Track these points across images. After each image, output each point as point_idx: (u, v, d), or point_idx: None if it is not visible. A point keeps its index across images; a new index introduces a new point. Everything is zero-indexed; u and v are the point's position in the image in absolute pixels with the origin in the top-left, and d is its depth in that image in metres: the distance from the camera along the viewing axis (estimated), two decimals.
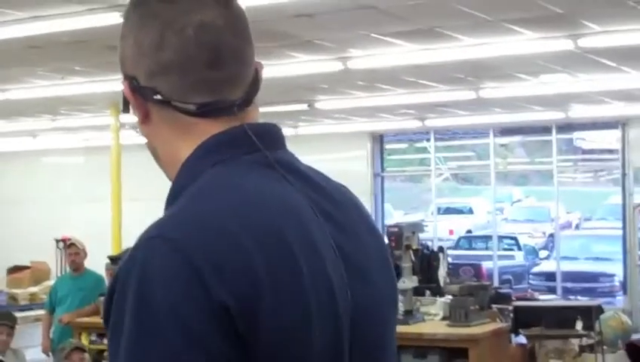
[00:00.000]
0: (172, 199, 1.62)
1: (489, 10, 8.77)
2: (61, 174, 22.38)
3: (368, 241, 1.72)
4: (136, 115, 1.68)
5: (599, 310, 10.50)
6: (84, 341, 9.11)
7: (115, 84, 12.57)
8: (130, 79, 1.65)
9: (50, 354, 10.52)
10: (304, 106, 15.18)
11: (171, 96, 1.62)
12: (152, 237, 1.50)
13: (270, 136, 1.66)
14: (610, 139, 20.54)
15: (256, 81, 1.69)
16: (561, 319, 10.02)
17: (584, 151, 24.65)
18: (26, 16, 8.80)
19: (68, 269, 11.28)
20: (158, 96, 1.62)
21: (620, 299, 18.59)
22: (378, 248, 1.75)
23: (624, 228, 18.29)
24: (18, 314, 11.20)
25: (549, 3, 8.55)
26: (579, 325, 9.72)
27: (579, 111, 16.72)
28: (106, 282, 8.91)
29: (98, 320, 9.04)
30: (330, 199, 1.67)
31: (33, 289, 16.32)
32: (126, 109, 1.69)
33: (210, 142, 1.62)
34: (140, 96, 1.64)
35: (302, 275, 1.50)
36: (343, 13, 8.77)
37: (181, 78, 1.62)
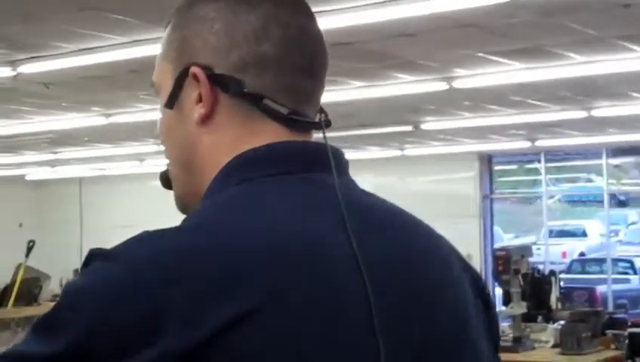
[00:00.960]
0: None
1: (598, 26, 8.56)
2: (166, 197, 22.56)
3: (432, 283, 1.45)
4: (195, 112, 1.46)
5: None
6: None
7: None
8: (202, 68, 1.44)
9: None
10: (409, 128, 15.05)
11: (263, 93, 1.44)
12: (112, 255, 1.31)
13: (340, 158, 1.47)
14: None
15: (323, 109, 1.53)
16: None
17: None
18: (126, 40, 8.87)
19: None
20: (247, 90, 1.43)
21: None
22: (452, 292, 1.47)
23: None
24: None
25: None
26: None
27: None
28: None
29: None
30: (382, 235, 1.42)
31: None
32: (171, 103, 1.49)
33: (265, 151, 1.43)
34: (220, 87, 1.44)
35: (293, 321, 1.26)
36: (445, 32, 8.65)
37: (276, 77, 1.45)
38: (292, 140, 1.44)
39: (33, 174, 22.63)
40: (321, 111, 1.51)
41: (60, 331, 1.26)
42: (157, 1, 7.58)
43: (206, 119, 1.45)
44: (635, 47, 9.53)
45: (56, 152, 18.39)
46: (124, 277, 1.25)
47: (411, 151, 18.38)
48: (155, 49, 7.28)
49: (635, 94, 12.39)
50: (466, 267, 1.55)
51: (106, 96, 12.09)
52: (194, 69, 1.44)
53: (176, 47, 1.50)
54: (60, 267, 19.26)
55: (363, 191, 1.49)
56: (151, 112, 13.18)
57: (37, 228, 20.20)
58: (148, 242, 1.31)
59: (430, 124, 14.93)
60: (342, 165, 1.46)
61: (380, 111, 13.14)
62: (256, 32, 1.44)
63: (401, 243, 1.43)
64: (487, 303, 1.55)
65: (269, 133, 1.44)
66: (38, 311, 12.50)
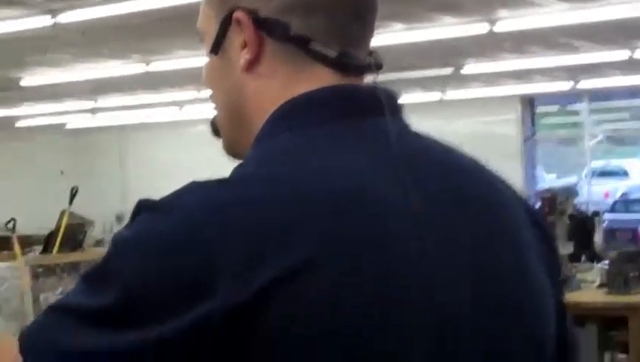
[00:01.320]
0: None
1: None
2: (205, 143, 22.60)
3: (488, 223, 1.38)
4: (240, 57, 1.40)
5: None
6: None
7: None
8: (246, 11, 1.38)
9: None
10: (450, 70, 14.95)
11: (310, 36, 1.37)
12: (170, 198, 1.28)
13: (394, 101, 1.41)
14: None
15: (372, 52, 1.46)
16: None
17: None
18: None
19: None
20: (293, 33, 1.36)
21: None
22: (508, 228, 1.41)
23: None
24: None
25: None
26: None
27: None
28: None
29: None
30: (441, 181, 1.36)
31: None
32: (216, 49, 1.44)
33: (319, 94, 1.37)
34: (265, 31, 1.38)
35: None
36: None
37: (324, 19, 1.38)
38: (342, 84, 1.38)
39: (73, 123, 22.67)
40: (371, 53, 1.45)
41: (109, 283, 1.24)
42: None
43: (251, 65, 1.40)
44: None
45: (95, 100, 18.41)
46: (175, 228, 1.22)
47: (452, 94, 18.26)
48: None
49: None
50: (528, 209, 1.49)
51: (144, 43, 12.06)
52: (237, 14, 1.39)
53: None
54: (102, 213, 19.39)
55: (417, 134, 1.43)
56: (189, 59, 13.16)
57: (78, 175, 20.25)
58: (198, 193, 1.27)
59: (471, 66, 14.81)
60: (395, 108, 1.41)
61: (420, 54, 13.05)
62: None
63: (455, 185, 1.38)
64: (550, 245, 1.50)
65: (319, 78, 1.38)
66: (82, 256, 12.52)
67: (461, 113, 19.00)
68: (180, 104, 19.79)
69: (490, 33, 11.20)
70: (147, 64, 13.63)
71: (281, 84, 1.39)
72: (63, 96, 17.30)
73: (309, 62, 1.38)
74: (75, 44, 11.82)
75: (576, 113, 21.75)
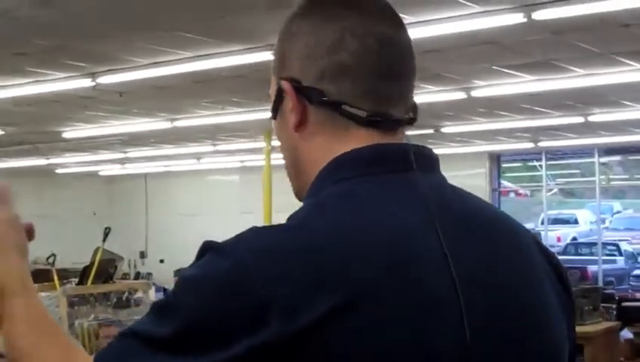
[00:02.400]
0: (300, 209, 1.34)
1: (600, 43, 8.44)
2: (220, 191, 22.70)
3: (511, 265, 1.34)
4: (291, 119, 1.37)
5: None
6: None
7: (268, 113, 12.61)
8: (290, 80, 1.37)
9: None
10: (431, 131, 14.94)
11: (341, 99, 1.34)
12: (230, 244, 1.23)
13: (425, 157, 1.36)
14: None
15: (415, 107, 1.41)
16: None
17: None
18: (191, 55, 8.84)
19: None
20: (327, 98, 1.34)
21: None
22: (528, 268, 1.36)
23: None
24: None
25: None
26: None
27: None
28: None
29: None
30: (476, 237, 1.31)
31: None
32: (275, 114, 1.43)
33: (360, 153, 1.33)
34: (304, 97, 1.36)
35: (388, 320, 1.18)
36: (468, 48, 8.55)
37: (354, 83, 1.34)
38: (377, 143, 1.34)
39: (106, 171, 22.72)
40: (411, 109, 1.40)
41: (174, 315, 1.21)
42: (222, 21, 7.60)
43: (299, 127, 1.38)
44: (630, 62, 9.40)
45: (126, 152, 18.42)
46: (233, 270, 1.19)
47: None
48: (216, 62, 7.26)
49: (626, 102, 12.26)
50: (548, 257, 1.43)
51: (171, 103, 12.06)
52: (283, 83, 1.38)
53: (278, 61, 1.42)
54: (128, 250, 19.34)
55: (451, 187, 1.37)
56: (210, 118, 13.16)
57: (108, 217, 20.23)
58: (256, 238, 1.24)
59: (449, 128, 14.85)
60: (428, 163, 1.36)
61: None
62: (333, 44, 1.35)
63: (485, 238, 1.33)
64: (567, 289, 1.44)
65: (356, 137, 1.35)
66: (113, 287, 12.61)
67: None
68: (198, 156, 19.78)
69: (467, 99, 11.21)
70: (172, 122, 13.60)
71: (324, 143, 1.37)
72: (97, 148, 17.29)
73: (345, 122, 1.35)
74: (111, 103, 11.82)
75: (535, 168, 21.94)
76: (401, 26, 1.40)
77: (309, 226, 1.24)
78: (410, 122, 1.38)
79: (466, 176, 19.06)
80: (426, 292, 1.21)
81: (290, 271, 1.18)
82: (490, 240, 1.33)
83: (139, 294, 13.37)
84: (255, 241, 1.23)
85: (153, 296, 14.63)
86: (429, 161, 1.36)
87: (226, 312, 1.17)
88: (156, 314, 1.25)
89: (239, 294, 1.17)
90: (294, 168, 1.44)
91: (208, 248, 1.25)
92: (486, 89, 10.79)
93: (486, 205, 1.42)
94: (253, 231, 1.25)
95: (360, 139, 1.34)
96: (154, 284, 16.31)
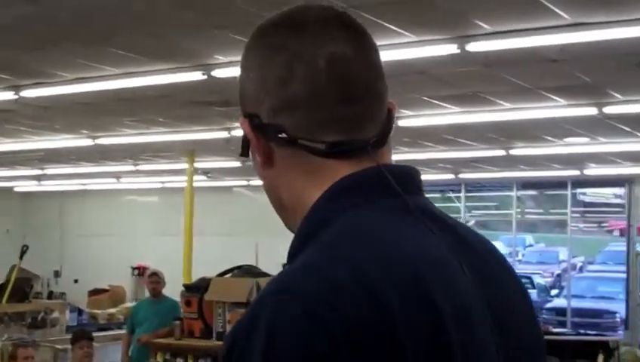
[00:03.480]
0: (299, 246, 1.25)
1: (529, 78, 8.49)
2: (138, 211, 22.42)
3: (513, 294, 1.37)
4: (257, 158, 1.31)
5: (617, 344, 10.25)
6: (159, 359, 8.82)
7: (192, 134, 12.46)
8: (250, 117, 1.30)
9: None
10: None
11: (297, 134, 1.26)
12: (280, 292, 1.14)
13: (408, 179, 1.30)
14: (607, 194, 20.67)
15: (390, 120, 1.33)
16: (579, 351, 9.86)
17: (585, 205, 24.55)
18: (119, 72, 8.64)
19: (147, 294, 11.09)
20: (283, 135, 1.26)
21: (620, 334, 18.29)
22: (523, 301, 1.39)
23: (628, 271, 18.15)
24: (98, 333, 11.07)
25: (582, 73, 8.28)
26: (600, 358, 9.41)
27: (592, 170, 16.41)
28: (181, 308, 8.65)
29: (173, 341, 8.85)
30: (472, 250, 1.31)
31: (111, 310, 16.26)
32: (245, 152, 1.34)
33: (343, 183, 1.25)
34: (262, 135, 1.28)
35: (449, 337, 1.15)
36: (399, 77, 8.52)
37: (309, 114, 1.26)
38: (348, 175, 1.26)
39: (21, 187, 22.26)
40: (382, 130, 1.31)
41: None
42: (153, 40, 7.44)
43: (266, 165, 1.31)
44: (556, 97, 9.49)
45: (43, 168, 18.04)
46: (302, 317, 1.10)
47: None
48: (143, 81, 7.06)
49: (548, 137, 12.40)
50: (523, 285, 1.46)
51: (94, 120, 11.81)
52: (241, 120, 1.32)
53: (240, 97, 1.35)
54: (42, 269, 18.91)
55: (439, 210, 1.34)
56: (133, 137, 12.94)
57: (22, 234, 19.78)
58: (311, 280, 1.15)
59: None
60: (412, 185, 1.30)
61: None
62: (282, 76, 1.27)
63: (485, 259, 1.34)
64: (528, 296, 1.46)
65: (327, 169, 1.27)
66: (28, 307, 12.38)
67: None
68: (118, 175, 19.47)
69: (395, 128, 11.17)
70: (94, 139, 13.33)
71: (297, 178, 1.29)
72: (14, 163, 16.89)
73: (309, 155, 1.27)
74: (33, 118, 11.52)
75: (452, 200, 22.08)
76: (361, 40, 1.31)
77: (353, 262, 1.16)
78: (379, 143, 1.29)
79: None
80: (466, 308, 1.22)
81: (352, 313, 1.10)
82: (495, 272, 1.35)
83: (55, 314, 13.03)
84: (312, 283, 1.14)
85: (68, 316, 14.27)
86: (411, 183, 1.30)
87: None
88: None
89: (309, 342, 1.09)
90: (275, 204, 1.36)
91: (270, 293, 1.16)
92: (413, 119, 10.77)
93: (473, 231, 1.40)
94: (299, 272, 1.18)
95: (330, 170, 1.27)
96: (69, 304, 15.99)
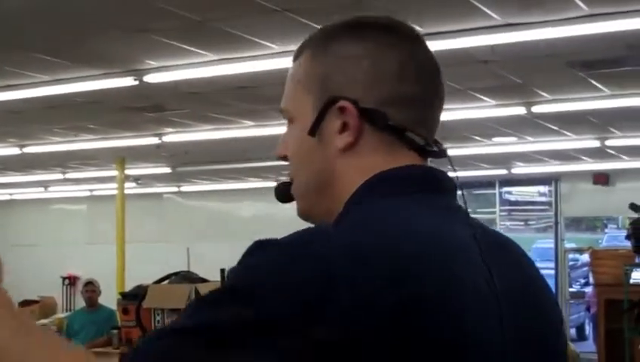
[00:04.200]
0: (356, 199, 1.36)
1: (460, 80, 8.54)
2: (67, 220, 22.09)
3: (539, 312, 1.42)
4: (335, 140, 1.38)
5: None
6: None
7: (122, 140, 12.30)
8: (350, 101, 1.37)
9: None
10: (287, 162, 14.83)
11: (404, 125, 1.38)
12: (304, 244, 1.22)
13: (448, 181, 1.41)
14: (532, 192, 20.96)
15: (436, 141, 1.49)
16: None
17: (510, 203, 24.89)
18: (47, 79, 8.50)
19: (78, 304, 10.97)
20: (391, 123, 1.37)
21: None
22: (543, 296, 1.46)
23: (556, 268, 18.27)
24: None
25: (511, 74, 8.37)
26: None
27: (519, 169, 16.61)
28: (118, 316, 8.53)
29: (111, 350, 8.77)
30: (498, 247, 1.40)
31: (43, 321, 15.93)
32: (313, 132, 1.39)
33: (414, 172, 1.38)
34: (366, 119, 1.37)
35: (463, 314, 1.23)
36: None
37: (416, 113, 1.39)
38: (424, 166, 1.40)
39: None
40: (436, 142, 1.45)
41: (229, 303, 1.16)
42: (82, 46, 7.32)
43: (350, 147, 1.38)
44: (484, 97, 9.58)
45: None
46: (294, 267, 1.18)
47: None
48: (72, 87, 6.92)
49: (477, 137, 12.51)
50: (551, 293, 1.53)
51: (22, 128, 11.60)
52: (343, 103, 1.37)
53: (319, 81, 1.40)
54: None
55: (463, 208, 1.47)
56: (61, 144, 12.73)
57: None
58: (321, 238, 1.24)
59: None
60: (452, 187, 1.43)
61: (260, 147, 12.96)
62: (398, 71, 1.38)
63: (512, 261, 1.43)
64: (563, 327, 1.53)
65: (404, 159, 1.38)
66: None
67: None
68: (46, 184, 19.15)
69: None
70: (21, 148, 13.09)
71: (373, 163, 1.38)
72: None
73: (397, 145, 1.38)
74: None
75: None
76: (431, 50, 1.46)
77: (368, 229, 1.24)
78: (444, 155, 1.45)
79: None
80: (479, 299, 1.27)
81: (349, 271, 1.16)
82: (514, 261, 1.43)
83: None
84: (321, 241, 1.21)
85: None
86: (451, 185, 1.42)
87: (282, 302, 1.14)
88: (207, 305, 1.19)
89: (294, 290, 1.15)
90: (319, 190, 1.43)
91: (260, 244, 1.23)
92: None
93: (495, 231, 1.52)
94: (319, 228, 1.29)
95: (406, 160, 1.38)
96: None
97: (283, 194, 1.52)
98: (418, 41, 1.43)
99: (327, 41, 1.43)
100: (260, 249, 1.23)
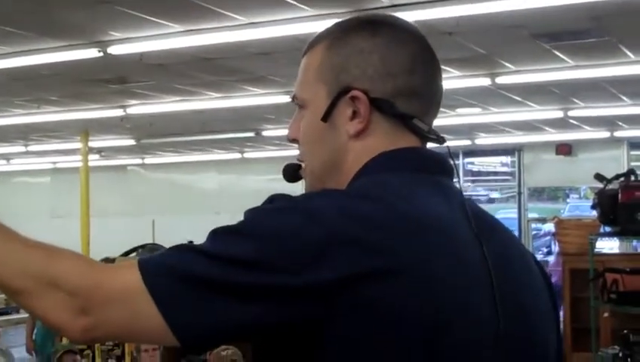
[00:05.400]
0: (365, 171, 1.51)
1: None
2: (30, 193, 21.91)
3: (528, 283, 1.54)
4: (347, 125, 1.52)
5: None
6: (65, 342, 8.63)
7: (86, 113, 12.20)
8: (359, 90, 1.50)
9: (33, 353, 10.25)
10: (251, 134, 14.84)
11: (410, 114, 1.52)
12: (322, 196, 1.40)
13: (446, 163, 1.56)
14: (495, 163, 21.07)
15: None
16: None
17: (473, 173, 25.03)
18: (10, 50, 8.39)
19: None
20: (399, 111, 1.51)
21: None
22: (532, 275, 1.57)
23: (520, 237, 18.32)
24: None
25: (476, 45, 8.39)
26: None
27: (483, 140, 16.69)
28: None
29: None
30: (492, 235, 1.49)
31: None
32: (325, 118, 1.53)
33: (416, 153, 1.53)
34: (377, 108, 1.51)
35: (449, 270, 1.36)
36: (296, 52, 8.47)
37: (421, 103, 1.54)
38: (425, 148, 1.55)
39: None
40: (435, 132, 1.59)
41: (250, 238, 1.31)
42: (46, 17, 7.23)
43: (361, 132, 1.51)
44: (449, 69, 9.59)
45: None
46: (303, 214, 1.33)
47: (251, 154, 18.29)
48: (36, 59, 6.84)
49: (441, 108, 12.44)
50: (544, 273, 1.63)
51: None
52: (356, 92, 1.50)
53: (334, 71, 1.53)
54: None
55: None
56: (23, 117, 12.60)
57: None
58: (330, 196, 1.41)
59: (270, 131, 14.77)
60: (450, 169, 1.56)
61: (226, 119, 12.93)
62: (407, 66, 1.52)
63: (489, 220, 1.54)
64: (556, 306, 1.64)
65: (408, 143, 1.52)
66: None
67: (258, 170, 19.01)
68: (8, 157, 18.97)
69: (289, 103, 11.14)
70: None
71: (379, 145, 1.51)
72: None
73: (402, 131, 1.52)
74: None
75: None
76: (436, 57, 1.61)
77: (371, 197, 1.39)
78: (443, 141, 1.58)
79: (281, 179, 19.11)
80: (472, 270, 1.39)
81: (349, 228, 1.31)
82: (504, 238, 1.53)
83: None
84: (328, 198, 1.38)
85: None
86: (450, 168, 1.56)
87: (288, 246, 1.29)
88: (224, 237, 1.33)
89: (303, 235, 1.29)
90: (330, 169, 1.55)
91: (277, 197, 1.40)
92: None
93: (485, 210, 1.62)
94: (327, 192, 1.44)
95: (408, 144, 1.52)
96: None
97: (291, 174, 1.66)
98: (423, 40, 1.56)
99: (342, 36, 1.54)
100: (275, 200, 1.38)
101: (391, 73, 1.51)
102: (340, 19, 1.60)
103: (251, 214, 1.37)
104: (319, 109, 1.53)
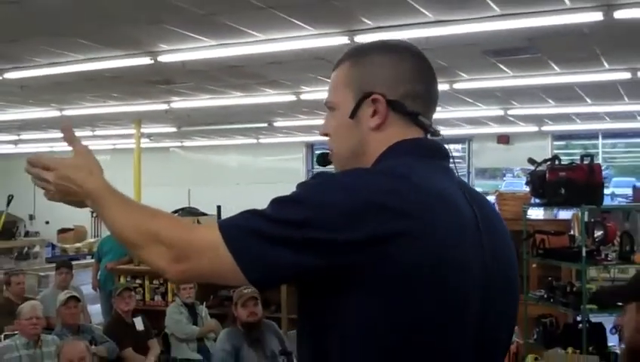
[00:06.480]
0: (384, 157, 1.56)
1: None
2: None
3: (503, 237, 1.59)
4: (369, 121, 1.55)
5: None
6: (122, 281, 8.64)
7: (139, 106, 12.14)
8: (380, 94, 1.55)
9: (97, 289, 10.29)
10: (265, 124, 14.77)
11: (417, 112, 1.57)
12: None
13: (444, 150, 1.60)
14: (451, 150, 20.85)
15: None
16: None
17: None
18: (82, 57, 8.34)
19: (106, 231, 10.86)
20: (409, 109, 1.56)
21: None
22: (509, 244, 1.61)
23: None
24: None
25: (439, 59, 8.34)
26: None
27: (441, 132, 16.43)
28: None
29: (133, 266, 8.72)
30: (480, 204, 1.55)
31: (78, 244, 15.86)
32: (352, 116, 1.57)
33: (422, 142, 1.57)
34: (391, 107, 1.55)
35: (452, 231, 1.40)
36: (300, 62, 8.45)
37: (424, 104, 1.58)
38: (429, 138, 1.59)
39: (1, 150, 21.38)
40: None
41: (302, 205, 1.35)
42: (110, 32, 7.19)
43: (379, 127, 1.56)
44: None
45: (19, 134, 17.40)
46: (342, 186, 1.37)
47: (265, 140, 18.18)
48: (102, 65, 6.74)
49: None
50: (515, 245, 1.68)
51: (63, 96, 11.38)
52: (376, 96, 1.55)
53: (357, 81, 1.57)
54: (19, 214, 18.25)
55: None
56: (92, 108, 12.52)
57: (3, 187, 19.01)
58: (363, 173, 1.46)
59: (280, 122, 14.70)
60: (449, 156, 1.60)
61: (246, 112, 12.87)
62: (413, 75, 1.57)
63: (486, 205, 1.59)
64: (512, 241, 1.67)
65: (413, 134, 1.57)
66: (15, 244, 12.04)
67: (270, 152, 18.97)
68: None
69: (296, 101, 11.12)
70: (61, 111, 12.85)
71: (393, 136, 1.55)
72: None
73: (411, 126, 1.57)
74: (11, 94, 11.02)
75: None
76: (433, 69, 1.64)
77: (395, 175, 1.42)
78: (438, 135, 1.62)
79: (289, 159, 19.07)
80: (469, 230, 1.44)
81: (379, 198, 1.34)
82: (489, 209, 1.58)
83: (36, 249, 12.58)
84: (363, 176, 1.43)
85: (45, 250, 13.67)
86: (447, 153, 1.60)
87: (330, 212, 1.33)
88: (281, 205, 1.37)
89: (340, 205, 1.33)
90: (354, 157, 1.57)
91: (320, 174, 1.43)
92: (311, 93, 10.72)
93: (482, 194, 1.65)
94: (359, 171, 1.47)
95: (415, 135, 1.56)
96: (45, 241, 15.36)
97: (323, 160, 1.70)
98: (423, 56, 1.61)
99: (362, 54, 1.60)
100: (319, 176, 1.43)
101: (401, 81, 1.55)
102: (338, 37, 1.64)
103: (301, 187, 1.40)
104: (347, 110, 1.57)
